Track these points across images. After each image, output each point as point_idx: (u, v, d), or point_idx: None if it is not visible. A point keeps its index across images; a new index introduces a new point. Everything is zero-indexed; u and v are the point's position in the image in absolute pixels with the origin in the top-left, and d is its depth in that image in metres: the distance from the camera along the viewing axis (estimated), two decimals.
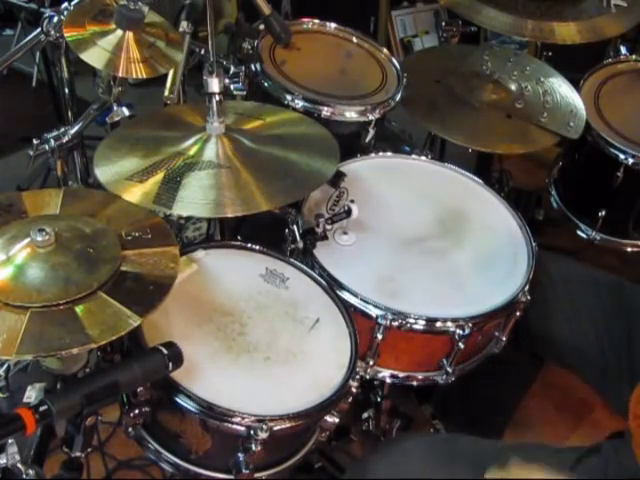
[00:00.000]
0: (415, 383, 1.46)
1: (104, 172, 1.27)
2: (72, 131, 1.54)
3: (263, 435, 1.10)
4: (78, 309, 1.01)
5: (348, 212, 1.41)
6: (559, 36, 1.83)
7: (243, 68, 1.64)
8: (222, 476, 1.20)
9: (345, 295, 1.35)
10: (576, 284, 1.54)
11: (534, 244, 1.50)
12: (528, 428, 2.01)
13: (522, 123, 1.77)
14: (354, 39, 1.89)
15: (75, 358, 1.16)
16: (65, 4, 1.49)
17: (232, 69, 1.62)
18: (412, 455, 1.26)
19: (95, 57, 1.37)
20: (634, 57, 2.01)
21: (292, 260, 1.40)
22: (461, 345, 1.35)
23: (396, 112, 1.77)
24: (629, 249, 1.86)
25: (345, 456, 1.82)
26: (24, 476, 1.01)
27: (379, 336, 1.33)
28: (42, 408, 0.93)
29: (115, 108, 1.57)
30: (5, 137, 2.76)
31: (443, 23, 2.10)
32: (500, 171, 2.30)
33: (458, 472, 1.20)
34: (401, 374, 1.44)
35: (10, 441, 0.98)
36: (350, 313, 1.33)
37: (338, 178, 1.46)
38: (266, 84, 1.65)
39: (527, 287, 1.41)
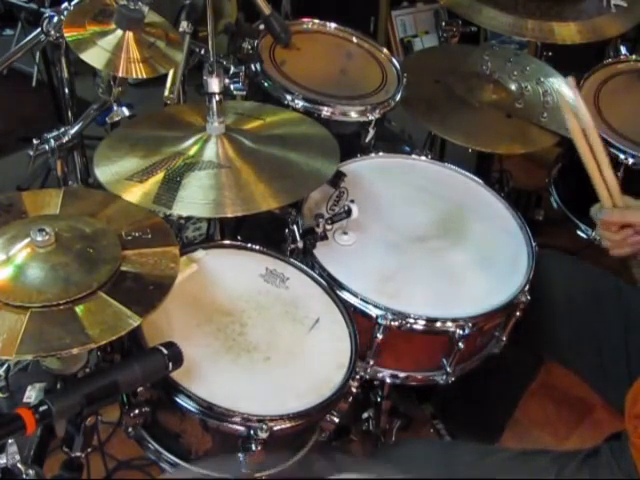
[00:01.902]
0: (415, 383, 1.46)
1: (104, 172, 1.27)
2: (72, 131, 1.54)
3: (263, 435, 1.10)
4: (78, 309, 1.01)
5: (348, 212, 1.41)
6: (559, 36, 1.83)
7: (243, 68, 1.63)
8: (222, 476, 1.20)
9: (345, 295, 1.35)
10: (576, 284, 1.53)
11: (534, 244, 1.50)
12: (528, 428, 2.02)
13: (522, 123, 1.78)
14: (354, 39, 1.89)
15: (75, 358, 1.16)
16: (65, 4, 1.49)
17: (232, 69, 1.62)
18: (411, 460, 1.26)
19: (95, 57, 1.37)
20: (634, 57, 2.01)
21: (292, 260, 1.40)
22: (461, 345, 1.35)
23: (396, 112, 1.77)
24: None
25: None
26: (24, 476, 1.01)
27: (379, 336, 1.33)
28: (42, 408, 0.93)
29: (115, 108, 1.57)
30: (5, 137, 2.76)
31: (443, 23, 2.11)
32: (500, 171, 2.30)
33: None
34: (401, 374, 1.44)
35: (10, 441, 0.98)
36: (350, 313, 1.33)
37: (338, 178, 1.46)
38: (266, 84, 1.65)
39: (527, 287, 1.41)
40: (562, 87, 1.43)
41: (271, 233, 1.51)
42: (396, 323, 1.32)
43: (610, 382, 1.45)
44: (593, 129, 1.32)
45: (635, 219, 1.30)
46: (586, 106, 1.32)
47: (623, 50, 2.05)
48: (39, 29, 1.51)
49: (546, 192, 2.01)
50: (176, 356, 1.06)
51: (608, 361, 1.45)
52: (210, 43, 1.32)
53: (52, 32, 1.50)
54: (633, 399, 1.15)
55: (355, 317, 1.32)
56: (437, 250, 1.48)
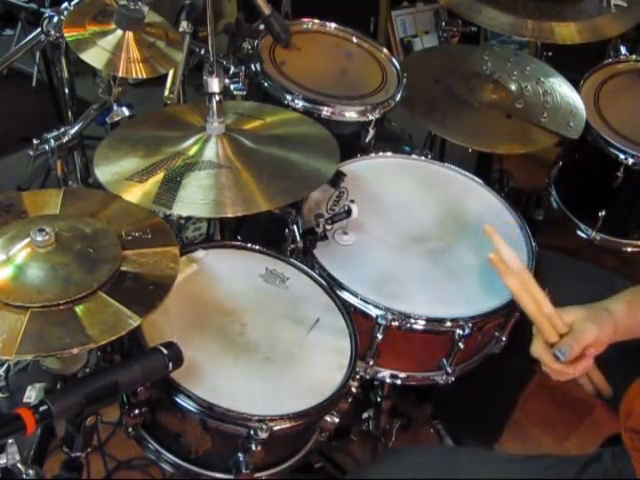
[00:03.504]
0: (415, 383, 1.46)
1: (104, 172, 1.27)
2: (72, 131, 1.54)
3: (263, 435, 1.10)
4: (78, 309, 1.01)
5: (348, 212, 1.41)
6: (559, 36, 1.83)
7: (243, 68, 1.64)
8: (222, 476, 1.20)
9: (345, 295, 1.35)
10: (575, 284, 1.53)
11: (534, 244, 1.50)
12: (528, 428, 2.02)
13: (522, 123, 1.77)
14: (354, 39, 1.89)
15: (75, 358, 1.16)
16: (65, 4, 1.49)
17: (232, 69, 1.62)
18: (413, 464, 1.25)
19: (95, 57, 1.37)
20: (634, 57, 2.01)
21: (292, 260, 1.40)
22: (461, 345, 1.35)
23: (396, 112, 1.77)
24: (629, 249, 1.86)
25: (345, 456, 1.82)
26: (24, 476, 1.01)
27: (379, 336, 1.33)
28: (42, 408, 0.93)
29: (115, 108, 1.57)
30: (5, 137, 2.76)
31: (443, 23, 2.11)
32: (500, 171, 2.30)
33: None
34: (401, 374, 1.44)
35: (10, 441, 0.98)
36: (350, 313, 1.33)
37: (338, 178, 1.46)
38: (266, 84, 1.65)
39: None
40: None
41: (271, 233, 1.51)
42: (396, 323, 1.32)
43: (608, 383, 1.44)
44: (524, 270, 1.20)
45: (590, 339, 1.15)
46: (509, 249, 1.19)
47: (623, 50, 2.05)
48: (39, 29, 1.52)
49: (546, 192, 2.01)
50: (176, 356, 1.06)
51: (605, 362, 1.45)
52: (210, 43, 1.32)
53: (52, 32, 1.50)
54: (627, 411, 1.14)
55: (355, 317, 1.32)
56: (437, 250, 1.48)
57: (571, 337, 1.15)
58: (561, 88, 1.88)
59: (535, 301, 1.17)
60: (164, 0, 1.72)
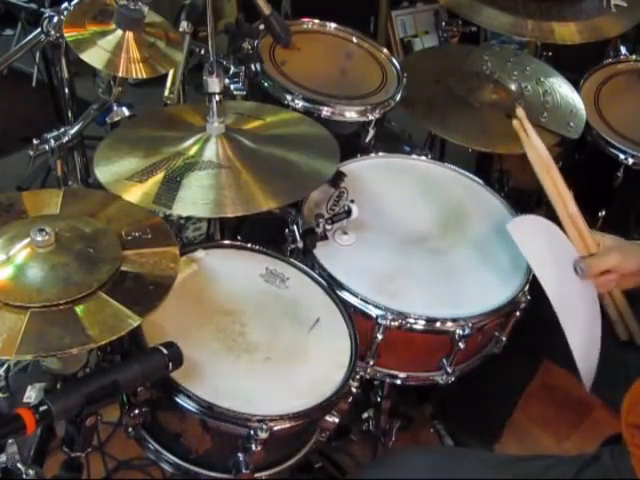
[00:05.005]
0: (415, 383, 1.46)
1: (104, 172, 1.27)
2: (72, 131, 1.54)
3: (263, 435, 1.10)
4: (78, 309, 1.01)
5: (348, 212, 1.41)
6: (559, 36, 1.83)
7: (243, 68, 1.64)
8: (222, 476, 1.20)
9: (345, 295, 1.35)
10: None
11: None
12: (528, 428, 2.02)
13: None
14: (354, 39, 1.89)
15: (75, 358, 1.16)
16: (65, 4, 1.49)
17: (232, 69, 1.63)
18: (413, 465, 1.25)
19: (95, 57, 1.37)
20: (634, 57, 2.01)
21: (292, 260, 1.40)
22: (461, 345, 1.35)
23: (396, 112, 1.77)
24: None
25: (345, 456, 1.82)
26: (24, 476, 1.01)
27: (379, 336, 1.33)
28: (42, 408, 0.93)
29: (115, 108, 1.57)
30: (5, 137, 2.76)
31: (443, 23, 2.11)
32: (500, 171, 2.30)
33: None
34: (401, 374, 1.44)
35: (10, 441, 0.98)
36: (350, 313, 1.33)
37: (338, 178, 1.46)
38: (266, 84, 1.65)
39: (527, 287, 1.41)
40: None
41: (271, 233, 1.51)
42: (396, 323, 1.32)
43: (607, 383, 1.44)
44: (553, 165, 1.31)
45: (610, 265, 1.29)
46: (541, 142, 1.31)
47: (623, 50, 2.06)
48: (39, 29, 1.52)
49: None
50: (176, 356, 1.06)
51: (605, 362, 1.45)
52: (210, 43, 1.32)
53: (52, 32, 1.50)
54: (628, 407, 1.14)
55: (355, 317, 1.32)
56: (437, 250, 1.48)
57: (593, 259, 1.30)
58: (561, 88, 1.89)
59: (559, 195, 1.31)
60: (164, 0, 1.72)
